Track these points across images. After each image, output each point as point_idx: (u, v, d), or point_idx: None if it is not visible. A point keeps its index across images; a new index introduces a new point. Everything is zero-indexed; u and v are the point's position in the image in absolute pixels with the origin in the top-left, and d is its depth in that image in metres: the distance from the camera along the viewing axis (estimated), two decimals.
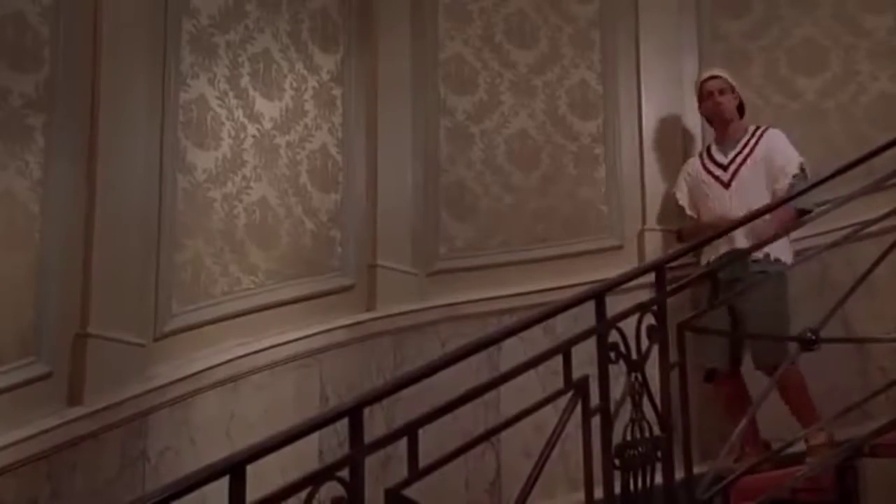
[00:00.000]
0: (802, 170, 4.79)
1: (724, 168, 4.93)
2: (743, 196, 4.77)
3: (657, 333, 3.39)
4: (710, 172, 4.96)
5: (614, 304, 3.42)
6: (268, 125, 4.82)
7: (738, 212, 4.57)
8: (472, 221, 5.32)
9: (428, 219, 5.27)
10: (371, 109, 5.19)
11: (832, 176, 3.86)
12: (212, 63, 4.67)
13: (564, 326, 4.82)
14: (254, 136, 4.76)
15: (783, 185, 4.75)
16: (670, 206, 5.16)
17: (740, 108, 5.05)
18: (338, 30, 5.17)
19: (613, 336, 3.33)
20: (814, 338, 3.48)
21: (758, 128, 5.01)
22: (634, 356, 3.34)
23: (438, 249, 5.27)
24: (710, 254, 4.68)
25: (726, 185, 4.89)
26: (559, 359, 3.20)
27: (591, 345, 3.31)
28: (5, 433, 3.82)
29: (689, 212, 5.04)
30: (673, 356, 3.45)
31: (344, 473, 2.69)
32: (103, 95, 4.27)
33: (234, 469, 2.51)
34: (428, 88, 5.37)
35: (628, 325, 3.39)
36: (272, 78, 4.87)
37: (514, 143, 5.39)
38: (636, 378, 3.34)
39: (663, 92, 5.32)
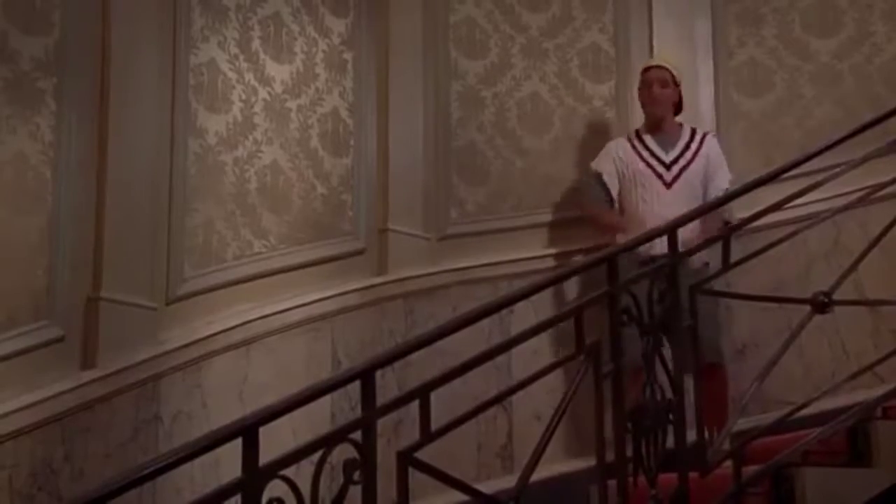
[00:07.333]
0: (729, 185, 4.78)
1: (667, 167, 4.89)
2: (684, 201, 4.69)
3: (669, 296, 3.38)
4: (648, 165, 4.92)
5: None
6: (279, 88, 4.80)
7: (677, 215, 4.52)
8: (484, 185, 5.30)
9: (439, 183, 5.25)
10: (382, 73, 5.16)
11: (846, 138, 3.84)
12: (222, 26, 4.65)
13: (576, 290, 4.89)
14: (265, 100, 4.75)
15: (713, 197, 4.69)
16: None
17: (678, 103, 4.98)
18: None
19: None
20: (826, 300, 3.48)
21: (694, 130, 4.98)
22: (647, 319, 3.33)
23: (450, 213, 5.25)
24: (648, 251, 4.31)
25: (668, 185, 4.86)
26: (571, 324, 3.19)
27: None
28: (19, 396, 3.84)
29: (613, 197, 4.95)
30: (685, 319, 3.45)
31: (356, 436, 2.69)
32: (114, 59, 4.26)
33: (247, 431, 2.51)
34: (439, 52, 5.34)
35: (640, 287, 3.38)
36: (283, 41, 4.85)
37: (525, 106, 5.36)
38: (648, 341, 3.34)
39: (675, 54, 5.27)
